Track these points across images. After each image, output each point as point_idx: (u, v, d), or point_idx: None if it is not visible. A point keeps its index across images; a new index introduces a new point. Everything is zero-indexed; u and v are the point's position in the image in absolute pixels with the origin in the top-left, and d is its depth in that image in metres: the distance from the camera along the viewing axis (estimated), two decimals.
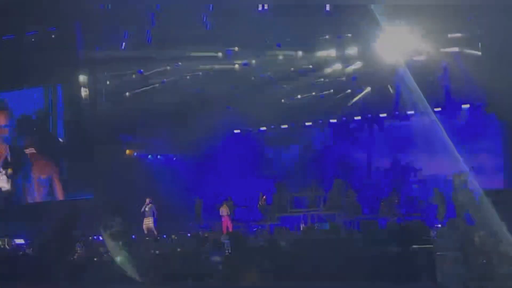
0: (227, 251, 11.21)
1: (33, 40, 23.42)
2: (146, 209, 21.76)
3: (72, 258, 14.59)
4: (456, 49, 21.09)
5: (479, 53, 19.96)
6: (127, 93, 24.13)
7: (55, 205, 23.63)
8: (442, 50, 21.26)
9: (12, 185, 24.82)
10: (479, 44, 19.91)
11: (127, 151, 24.71)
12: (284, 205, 22.63)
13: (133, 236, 18.35)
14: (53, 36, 23.35)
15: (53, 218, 20.76)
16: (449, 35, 20.66)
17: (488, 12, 18.20)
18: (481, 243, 7.59)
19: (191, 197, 24.78)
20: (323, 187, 22.85)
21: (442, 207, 19.75)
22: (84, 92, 23.75)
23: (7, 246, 18.10)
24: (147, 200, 21.85)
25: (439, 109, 24.33)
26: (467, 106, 23.92)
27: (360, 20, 20.29)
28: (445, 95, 23.14)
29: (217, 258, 10.03)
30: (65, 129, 24.49)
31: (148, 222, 21.68)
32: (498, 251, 7.86)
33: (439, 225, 16.77)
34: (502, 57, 18.07)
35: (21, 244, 18.18)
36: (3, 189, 24.85)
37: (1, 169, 24.92)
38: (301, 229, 19.69)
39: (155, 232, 21.27)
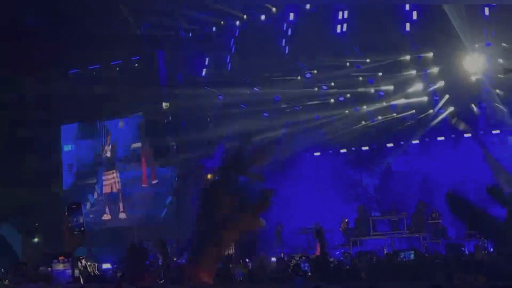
0: (307, 275, 11.14)
1: (117, 69, 24.21)
2: None
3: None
4: None
5: None
6: (208, 119, 24.50)
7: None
8: None
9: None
10: None
11: (208, 176, 24.97)
12: (366, 228, 22.28)
13: None
14: (136, 65, 24.06)
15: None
16: None
17: None
18: None
19: (272, 221, 24.75)
20: (406, 210, 22.38)
21: None
22: (166, 118, 24.26)
23: (96, 271, 18.24)
24: None
25: None
26: None
27: (441, 37, 20.00)
28: None
29: (296, 282, 9.93)
30: (149, 152, 24.97)
31: None
32: None
33: None
34: None
35: (107, 269, 18.46)
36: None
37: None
38: (384, 252, 19.32)
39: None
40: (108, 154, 25.13)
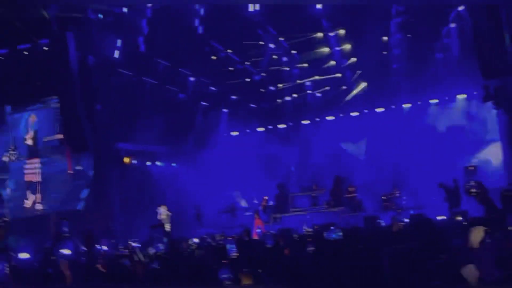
0: (232, 256, 11.17)
1: (25, 53, 23.28)
2: (163, 216, 21.53)
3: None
4: (450, 39, 21.16)
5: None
6: (123, 101, 24.02)
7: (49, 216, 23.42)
8: (437, 41, 21.33)
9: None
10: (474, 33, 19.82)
11: (125, 159, 24.57)
12: (286, 205, 22.60)
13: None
14: (44, 48, 23.21)
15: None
16: (443, 26, 20.76)
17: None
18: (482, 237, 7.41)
19: (192, 203, 24.66)
20: (324, 185, 22.81)
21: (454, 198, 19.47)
22: (79, 102, 23.54)
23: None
24: (163, 208, 21.70)
25: (436, 100, 24.39)
26: (464, 96, 23.91)
27: (352, 14, 20.30)
28: (441, 86, 23.14)
29: (220, 263, 9.96)
30: (64, 141, 24.24)
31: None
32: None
33: (443, 217, 16.69)
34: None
35: (26, 259, 17.88)
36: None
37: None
38: (304, 230, 19.60)
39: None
40: (30, 142, 24.30)
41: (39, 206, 23.99)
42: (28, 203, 24.00)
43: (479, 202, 8.62)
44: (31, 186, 24.23)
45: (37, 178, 24.20)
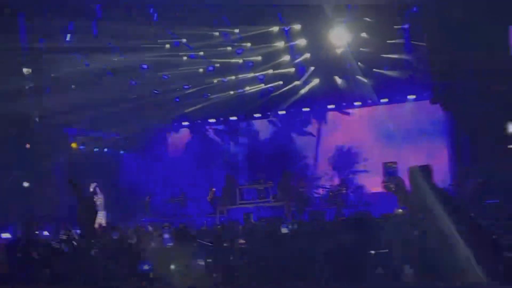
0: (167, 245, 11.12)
1: None
2: (98, 202, 21.16)
3: None
4: (402, 40, 21.41)
5: (425, 44, 20.12)
6: (73, 86, 23.63)
7: None
8: (389, 41, 21.54)
9: None
10: (425, 35, 20.06)
11: (73, 145, 24.22)
12: (233, 198, 22.57)
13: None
14: None
15: None
16: (395, 27, 20.97)
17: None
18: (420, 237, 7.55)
19: (141, 192, 24.46)
20: (273, 179, 22.84)
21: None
22: (28, 84, 23.09)
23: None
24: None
25: (386, 100, 24.64)
26: (413, 97, 24.18)
27: (308, 10, 20.39)
28: (391, 86, 23.37)
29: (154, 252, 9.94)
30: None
31: (101, 217, 21.09)
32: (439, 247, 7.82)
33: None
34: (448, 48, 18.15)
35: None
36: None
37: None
38: (250, 221, 19.63)
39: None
40: None
41: None
42: None
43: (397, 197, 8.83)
44: None
45: None
